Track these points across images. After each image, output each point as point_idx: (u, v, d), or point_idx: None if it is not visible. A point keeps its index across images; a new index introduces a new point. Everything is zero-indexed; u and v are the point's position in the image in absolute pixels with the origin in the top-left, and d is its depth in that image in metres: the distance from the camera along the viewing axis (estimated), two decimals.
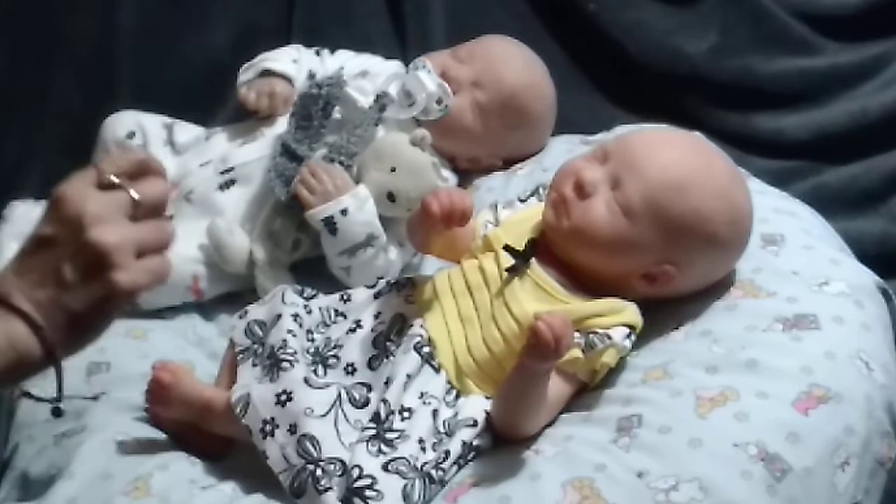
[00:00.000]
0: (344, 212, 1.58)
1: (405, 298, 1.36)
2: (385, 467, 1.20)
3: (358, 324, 1.35)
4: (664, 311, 1.36)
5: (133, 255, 0.92)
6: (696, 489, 1.16)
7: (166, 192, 0.98)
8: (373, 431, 1.23)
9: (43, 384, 1.01)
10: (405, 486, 1.20)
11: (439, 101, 1.70)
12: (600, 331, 1.28)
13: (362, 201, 1.59)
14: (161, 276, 0.95)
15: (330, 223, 1.58)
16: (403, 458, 1.22)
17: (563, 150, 1.72)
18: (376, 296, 1.39)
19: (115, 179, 0.93)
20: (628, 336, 1.30)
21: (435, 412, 1.27)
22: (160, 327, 1.59)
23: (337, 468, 1.21)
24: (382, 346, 1.32)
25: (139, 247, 0.93)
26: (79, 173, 0.94)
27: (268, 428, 1.25)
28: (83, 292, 0.92)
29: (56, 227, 0.93)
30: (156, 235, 0.95)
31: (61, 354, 0.93)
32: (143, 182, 0.95)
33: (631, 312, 1.31)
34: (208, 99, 1.91)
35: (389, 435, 1.23)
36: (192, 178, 1.69)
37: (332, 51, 1.84)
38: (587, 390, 1.31)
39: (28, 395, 1.44)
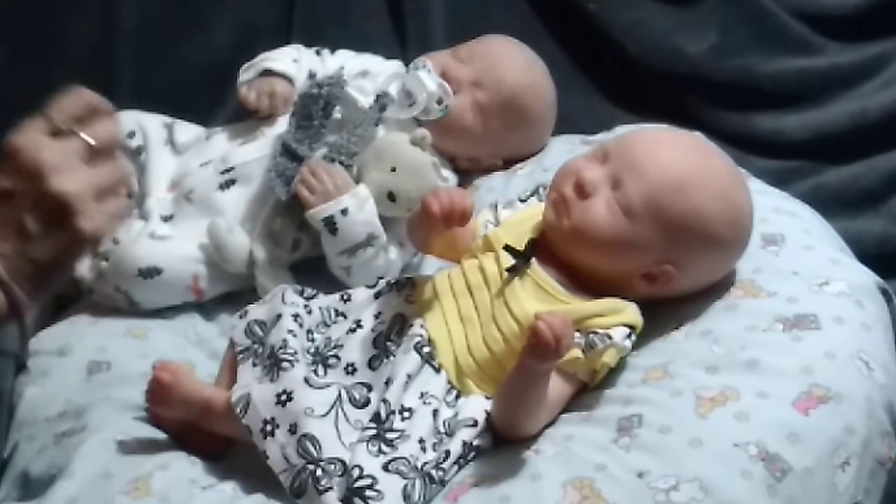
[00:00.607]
0: (344, 212, 1.58)
1: (405, 298, 1.36)
2: (385, 467, 1.20)
3: (358, 324, 1.35)
4: (664, 311, 1.36)
5: (93, 201, 0.93)
6: (697, 489, 1.16)
7: (118, 132, 0.98)
8: (373, 431, 1.23)
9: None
10: (405, 486, 1.20)
11: (440, 101, 1.69)
12: (600, 331, 1.28)
13: (362, 201, 1.59)
14: (122, 217, 0.96)
15: (330, 223, 1.58)
16: (404, 458, 1.22)
17: (564, 150, 1.72)
18: (376, 296, 1.38)
19: (67, 126, 0.94)
20: (628, 336, 1.30)
21: (435, 412, 1.26)
22: (160, 327, 1.59)
23: (337, 468, 1.21)
24: (383, 346, 1.32)
25: (98, 191, 0.93)
26: (29, 122, 0.95)
27: (268, 428, 1.25)
28: (47, 242, 0.92)
29: (14, 178, 0.93)
30: (113, 177, 0.96)
31: (27, 306, 0.93)
32: (94, 125, 0.95)
33: (631, 312, 1.31)
34: (208, 99, 1.91)
35: (390, 435, 1.23)
36: (192, 178, 1.69)
37: (333, 51, 1.84)
38: (587, 390, 1.31)
39: None
